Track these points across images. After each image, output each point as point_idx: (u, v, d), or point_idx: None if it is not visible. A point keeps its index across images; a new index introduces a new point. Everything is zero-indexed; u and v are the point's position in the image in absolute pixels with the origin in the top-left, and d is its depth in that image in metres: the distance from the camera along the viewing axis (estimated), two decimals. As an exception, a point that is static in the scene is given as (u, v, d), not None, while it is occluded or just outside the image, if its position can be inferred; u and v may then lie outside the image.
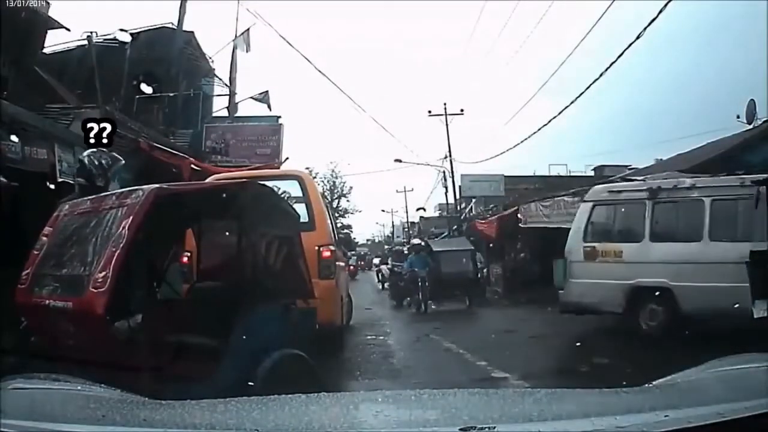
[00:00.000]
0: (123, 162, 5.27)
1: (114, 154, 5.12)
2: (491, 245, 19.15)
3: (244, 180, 5.23)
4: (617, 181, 10.57)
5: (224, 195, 4.19)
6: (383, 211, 58.26)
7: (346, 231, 33.28)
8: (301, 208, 6.04)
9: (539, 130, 18.82)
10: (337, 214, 37.31)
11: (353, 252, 34.03)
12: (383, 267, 25.24)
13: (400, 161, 29.53)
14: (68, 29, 12.41)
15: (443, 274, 14.63)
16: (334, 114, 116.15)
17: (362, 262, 35.87)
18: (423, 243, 17.06)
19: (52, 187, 7.20)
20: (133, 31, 13.81)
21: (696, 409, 1.29)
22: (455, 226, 26.86)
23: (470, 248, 16.42)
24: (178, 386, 2.84)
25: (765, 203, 7.17)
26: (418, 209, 38.74)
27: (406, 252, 18.24)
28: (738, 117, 14.67)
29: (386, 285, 22.06)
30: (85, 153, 5.13)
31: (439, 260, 15.03)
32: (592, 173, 26.02)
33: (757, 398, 1.25)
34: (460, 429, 1.24)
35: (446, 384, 5.38)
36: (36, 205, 5.07)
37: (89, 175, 4.97)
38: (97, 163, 5.00)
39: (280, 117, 18.63)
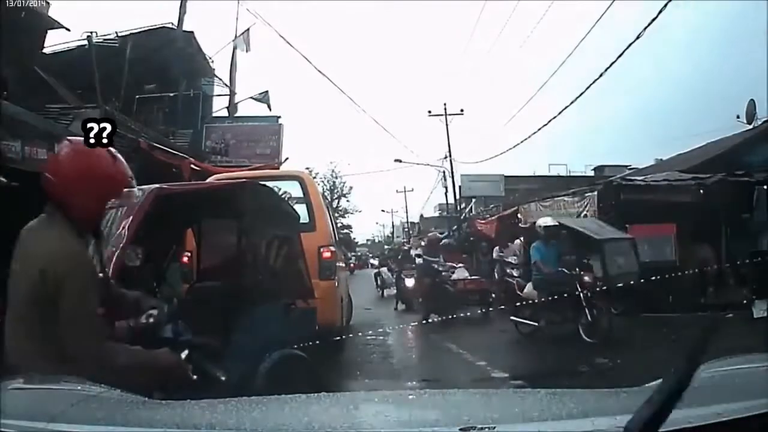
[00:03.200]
0: None
1: None
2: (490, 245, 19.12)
3: (244, 180, 5.23)
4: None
5: (224, 195, 4.19)
6: (383, 211, 58.47)
7: (346, 231, 33.43)
8: (301, 209, 6.05)
9: (539, 130, 18.89)
10: (337, 214, 37.42)
11: (354, 253, 34.26)
12: (383, 270, 21.21)
13: (400, 161, 29.64)
14: (68, 29, 12.46)
15: (610, 277, 8.59)
16: (334, 114, 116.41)
17: (359, 262, 36.14)
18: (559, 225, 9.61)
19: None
20: (134, 31, 13.83)
21: (696, 409, 1.28)
22: (455, 226, 26.86)
23: (629, 237, 10.16)
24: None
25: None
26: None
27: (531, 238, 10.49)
28: (738, 117, 14.77)
29: (386, 292, 19.15)
30: None
31: (602, 253, 8.90)
32: (592, 173, 26.09)
33: (757, 398, 1.24)
34: (460, 429, 1.23)
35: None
36: (36, 205, 5.06)
37: None
38: None
39: (280, 117, 18.70)
